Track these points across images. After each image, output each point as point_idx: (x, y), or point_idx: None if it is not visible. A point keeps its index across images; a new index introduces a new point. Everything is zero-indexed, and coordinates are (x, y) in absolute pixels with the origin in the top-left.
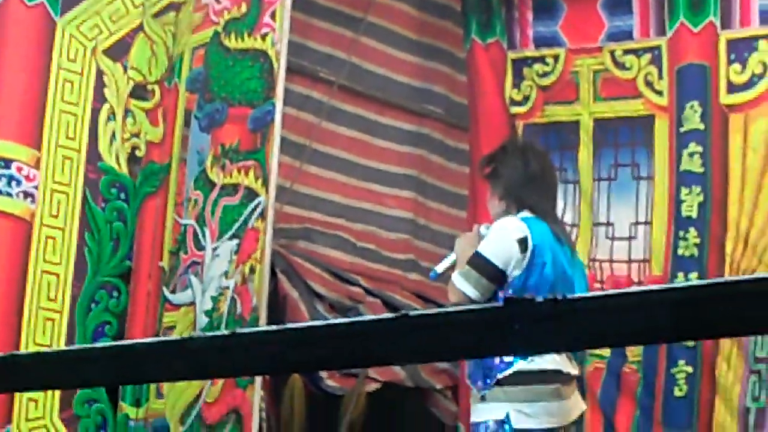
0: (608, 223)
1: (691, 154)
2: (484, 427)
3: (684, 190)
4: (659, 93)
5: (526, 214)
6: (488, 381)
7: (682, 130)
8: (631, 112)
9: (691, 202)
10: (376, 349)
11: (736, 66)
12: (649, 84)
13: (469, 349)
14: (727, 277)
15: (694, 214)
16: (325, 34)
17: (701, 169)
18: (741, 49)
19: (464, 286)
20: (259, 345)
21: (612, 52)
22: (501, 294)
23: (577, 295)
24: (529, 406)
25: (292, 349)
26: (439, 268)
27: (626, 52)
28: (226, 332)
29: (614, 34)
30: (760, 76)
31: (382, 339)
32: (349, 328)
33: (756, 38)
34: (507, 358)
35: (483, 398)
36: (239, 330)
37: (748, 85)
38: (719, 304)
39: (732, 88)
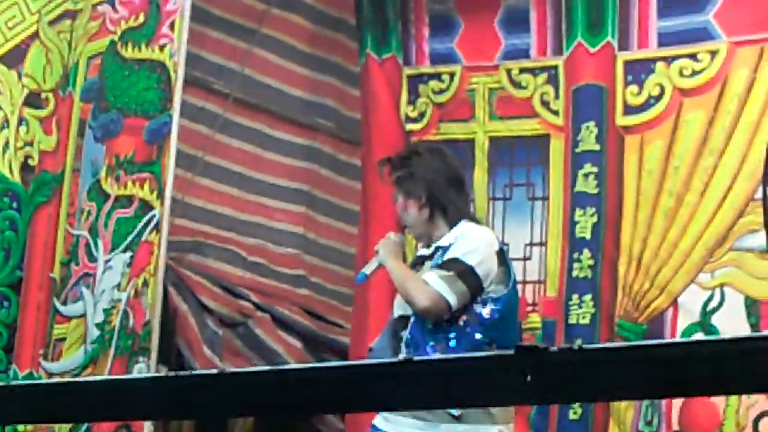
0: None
1: (586, 175)
2: None
3: (578, 211)
4: (555, 113)
5: (468, 222)
6: None
7: (577, 150)
8: (526, 132)
9: (585, 223)
10: (381, 394)
11: (633, 87)
12: (545, 103)
13: (479, 397)
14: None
15: (588, 236)
16: (219, 45)
17: (596, 190)
18: (638, 70)
19: (446, 291)
20: (252, 386)
21: (508, 71)
22: (476, 307)
23: (595, 345)
24: (508, 428)
25: (292, 392)
26: (367, 270)
27: (522, 70)
28: (215, 371)
29: (511, 53)
30: (657, 98)
31: (387, 384)
32: (353, 371)
33: (653, 60)
34: None
35: (457, 418)
36: (231, 369)
37: (645, 107)
38: (730, 361)
39: (628, 109)
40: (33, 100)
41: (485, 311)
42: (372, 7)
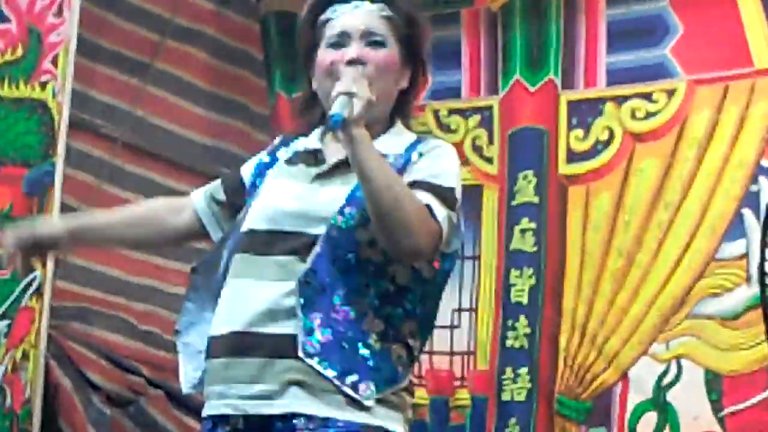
0: None
1: (523, 231)
2: None
3: (514, 272)
4: (489, 160)
5: (407, 131)
6: (380, 388)
7: (513, 203)
8: None
9: (522, 286)
10: None
11: (578, 131)
12: (477, 149)
13: None
14: None
15: (525, 300)
16: (109, 83)
17: (534, 249)
18: (584, 112)
19: (446, 233)
20: None
21: (436, 112)
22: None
23: None
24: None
25: None
26: (342, 109)
27: (452, 112)
28: None
29: (439, 92)
30: (605, 144)
31: None
32: None
33: (602, 100)
34: (403, 361)
35: (366, 409)
36: None
37: (591, 153)
38: None
39: (572, 156)
40: None
41: (425, 269)
42: (281, 40)
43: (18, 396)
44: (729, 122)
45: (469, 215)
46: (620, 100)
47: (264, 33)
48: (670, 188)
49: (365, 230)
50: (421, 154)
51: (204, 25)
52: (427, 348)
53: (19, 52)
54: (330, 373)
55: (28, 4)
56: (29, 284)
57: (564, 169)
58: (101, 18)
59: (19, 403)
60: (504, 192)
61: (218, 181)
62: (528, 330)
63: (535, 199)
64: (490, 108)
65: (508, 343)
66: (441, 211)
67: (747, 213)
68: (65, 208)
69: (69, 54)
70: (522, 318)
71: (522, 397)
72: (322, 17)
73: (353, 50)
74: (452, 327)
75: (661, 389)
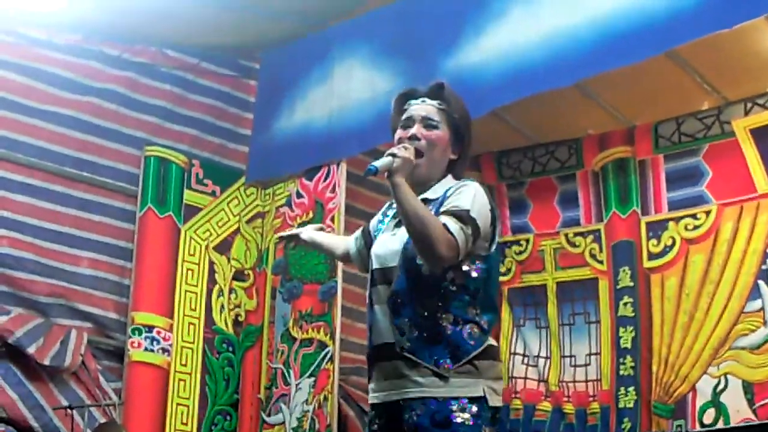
0: (571, 355)
1: (625, 304)
2: (460, 407)
3: (621, 329)
4: (601, 262)
5: (452, 179)
6: (458, 359)
7: (617, 287)
8: (581, 276)
9: (627, 337)
10: None
11: (653, 241)
12: (593, 256)
13: None
14: None
15: (629, 346)
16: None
17: (633, 314)
18: (656, 228)
19: (461, 245)
20: None
21: (566, 235)
22: (463, 265)
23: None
24: (497, 384)
25: None
26: (379, 163)
27: (576, 234)
28: None
29: (567, 222)
30: (670, 247)
31: None
32: None
33: (666, 221)
34: (475, 335)
35: (445, 378)
36: None
37: (662, 254)
38: None
39: (651, 256)
40: (239, 276)
41: (473, 270)
42: None
43: (322, 423)
44: (744, 228)
45: (592, 296)
46: (677, 219)
47: None
48: (712, 271)
49: None
50: (451, 193)
51: None
52: (570, 378)
53: (311, 214)
54: (427, 364)
55: (314, 186)
56: (325, 355)
57: (647, 264)
58: (357, 190)
59: (324, 426)
60: (611, 280)
61: (360, 231)
62: (633, 364)
63: (631, 284)
64: (599, 230)
65: (621, 372)
66: (454, 227)
67: (761, 283)
68: (344, 308)
69: (340, 214)
70: (628, 357)
71: (631, 405)
72: (403, 108)
73: (414, 129)
74: (586, 365)
75: (716, 394)
